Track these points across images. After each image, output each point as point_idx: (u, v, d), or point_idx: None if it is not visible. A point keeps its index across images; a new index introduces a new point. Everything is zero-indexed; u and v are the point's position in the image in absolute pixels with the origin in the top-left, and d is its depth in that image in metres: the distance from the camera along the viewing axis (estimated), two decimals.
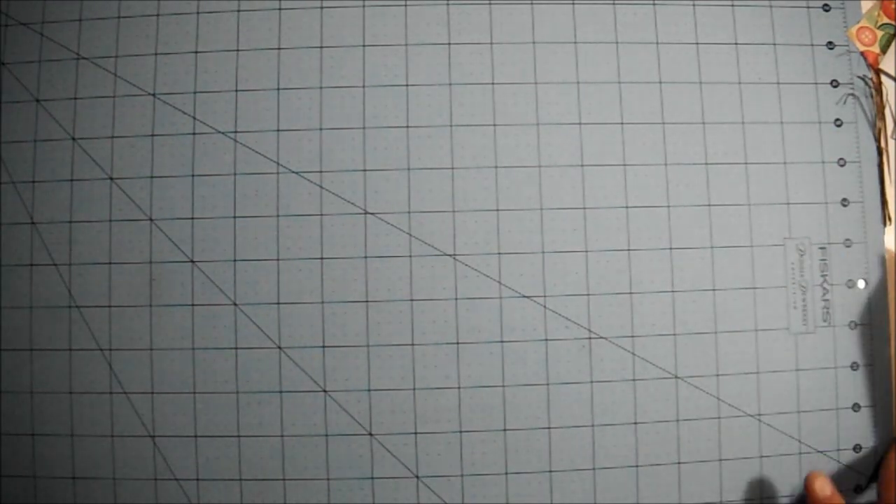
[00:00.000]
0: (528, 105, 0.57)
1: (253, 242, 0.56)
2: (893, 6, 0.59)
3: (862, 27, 0.59)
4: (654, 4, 0.58)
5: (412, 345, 0.55)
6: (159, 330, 0.55)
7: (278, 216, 0.56)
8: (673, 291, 0.56)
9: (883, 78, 0.59)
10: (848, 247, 0.57)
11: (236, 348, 0.55)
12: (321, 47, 0.57)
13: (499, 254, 0.56)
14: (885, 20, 0.59)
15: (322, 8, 0.58)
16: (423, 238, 0.56)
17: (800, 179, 0.58)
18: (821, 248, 0.57)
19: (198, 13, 0.58)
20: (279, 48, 0.57)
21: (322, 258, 0.56)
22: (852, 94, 0.58)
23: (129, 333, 0.56)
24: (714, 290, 0.56)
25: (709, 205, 0.57)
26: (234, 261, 0.56)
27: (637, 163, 0.57)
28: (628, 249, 0.56)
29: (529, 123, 0.57)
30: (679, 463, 0.55)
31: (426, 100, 0.57)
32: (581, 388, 0.56)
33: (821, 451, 0.56)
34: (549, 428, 0.55)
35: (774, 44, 0.58)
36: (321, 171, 0.56)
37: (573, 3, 0.58)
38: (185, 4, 0.58)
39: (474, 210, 0.56)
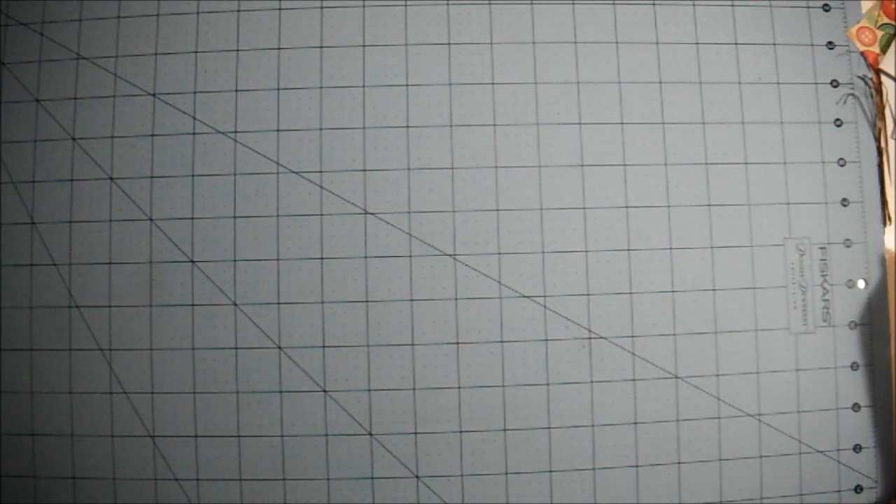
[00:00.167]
0: (528, 105, 0.57)
1: (253, 242, 0.56)
2: (893, 6, 0.59)
3: (862, 27, 0.59)
4: (654, 4, 0.58)
5: (412, 345, 0.55)
6: (159, 330, 0.55)
7: (278, 216, 0.56)
8: (673, 291, 0.56)
9: (883, 78, 0.58)
10: (848, 247, 0.57)
11: (236, 348, 0.55)
12: (321, 47, 0.57)
13: (499, 254, 0.56)
14: (885, 20, 0.59)
15: (322, 8, 0.58)
16: (423, 238, 0.56)
17: (800, 179, 0.58)
18: (821, 248, 0.57)
19: (198, 13, 0.58)
20: (279, 48, 0.57)
21: (322, 258, 0.56)
22: (852, 94, 0.58)
23: (129, 333, 0.56)
24: (714, 290, 0.56)
25: (709, 205, 0.57)
26: (234, 261, 0.56)
27: (637, 163, 0.57)
28: (628, 249, 0.56)
29: (529, 123, 0.57)
30: (679, 463, 0.55)
31: (426, 100, 0.57)
32: (581, 388, 0.56)
33: (821, 451, 0.56)
34: (549, 428, 0.55)
35: (774, 44, 0.58)
36: (321, 171, 0.56)
37: (573, 3, 0.58)
38: (185, 4, 0.58)
39: (474, 210, 0.56)
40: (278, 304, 0.56)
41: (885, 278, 0.57)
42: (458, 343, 0.55)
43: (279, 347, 0.55)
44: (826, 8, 0.59)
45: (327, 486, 0.55)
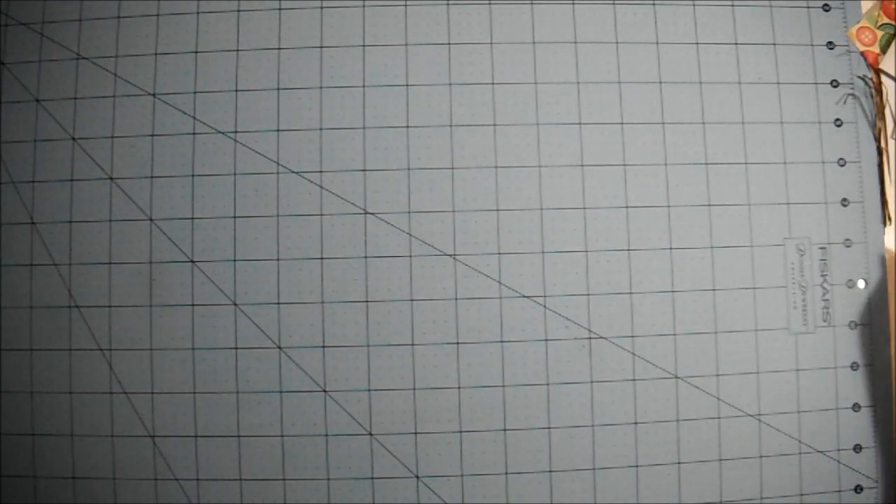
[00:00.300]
0: (528, 105, 0.57)
1: (253, 242, 0.56)
2: (893, 6, 0.59)
3: (862, 27, 0.59)
4: (654, 4, 0.58)
5: (412, 345, 0.55)
6: (159, 330, 0.55)
7: (278, 216, 0.56)
8: (673, 291, 0.56)
9: (883, 78, 0.58)
10: (848, 247, 0.57)
11: (236, 348, 0.55)
12: (321, 47, 0.57)
13: (499, 254, 0.56)
14: (885, 20, 0.59)
15: (322, 8, 0.58)
16: (423, 238, 0.56)
17: (800, 179, 0.58)
18: (821, 248, 0.57)
19: (198, 13, 0.58)
20: (279, 48, 0.57)
21: (322, 258, 0.56)
22: (852, 94, 0.58)
23: (129, 333, 0.56)
24: (714, 290, 0.56)
25: (709, 205, 0.57)
26: (234, 261, 0.56)
27: (637, 163, 0.57)
28: (628, 249, 0.56)
29: (529, 123, 0.57)
30: (679, 463, 0.55)
31: (426, 100, 0.57)
32: (581, 388, 0.56)
33: (821, 451, 0.56)
34: (549, 428, 0.55)
35: (774, 44, 0.58)
36: (321, 171, 0.56)
37: (573, 3, 0.58)
38: (185, 4, 0.58)
39: (474, 210, 0.56)
40: (278, 304, 0.56)
41: (885, 278, 0.57)
42: (458, 343, 0.55)
43: (279, 347, 0.55)
44: (826, 8, 0.59)
45: (327, 486, 0.55)
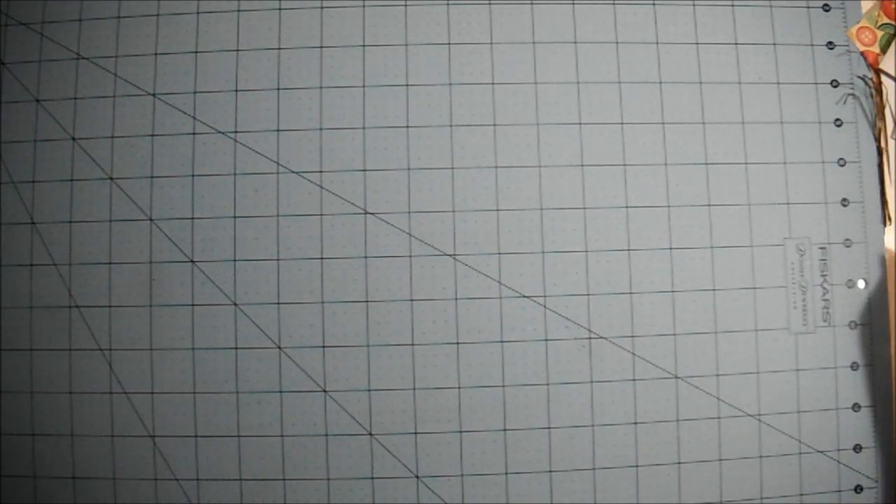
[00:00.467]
0: (528, 105, 0.57)
1: (253, 242, 0.56)
2: (893, 6, 0.59)
3: (862, 27, 0.59)
4: (654, 4, 0.58)
5: (412, 345, 0.55)
6: (159, 330, 0.55)
7: (278, 216, 0.56)
8: (673, 291, 0.56)
9: (883, 78, 0.58)
10: (848, 247, 0.57)
11: (236, 348, 0.55)
12: (321, 47, 0.57)
13: (499, 254, 0.56)
14: (885, 20, 0.59)
15: (322, 8, 0.58)
16: (423, 238, 0.56)
17: (800, 179, 0.58)
18: (821, 248, 0.57)
19: (198, 13, 0.58)
20: (279, 48, 0.57)
21: (322, 258, 0.56)
22: (852, 94, 0.58)
23: (129, 333, 0.56)
24: (714, 290, 0.56)
25: (709, 205, 0.57)
26: (234, 261, 0.56)
27: (637, 163, 0.57)
28: (628, 249, 0.56)
29: (529, 123, 0.57)
30: (679, 463, 0.55)
31: (426, 100, 0.57)
32: (581, 388, 0.56)
33: (821, 451, 0.56)
34: (549, 428, 0.55)
35: (774, 44, 0.58)
36: (321, 171, 0.56)
37: (573, 3, 0.58)
38: (185, 4, 0.58)
39: (474, 210, 0.56)
40: (278, 304, 0.56)
41: (885, 278, 0.57)
42: (458, 343, 0.55)
43: (279, 347, 0.55)
44: (826, 8, 0.59)
45: (327, 486, 0.55)
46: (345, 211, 0.56)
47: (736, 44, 0.58)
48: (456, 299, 0.56)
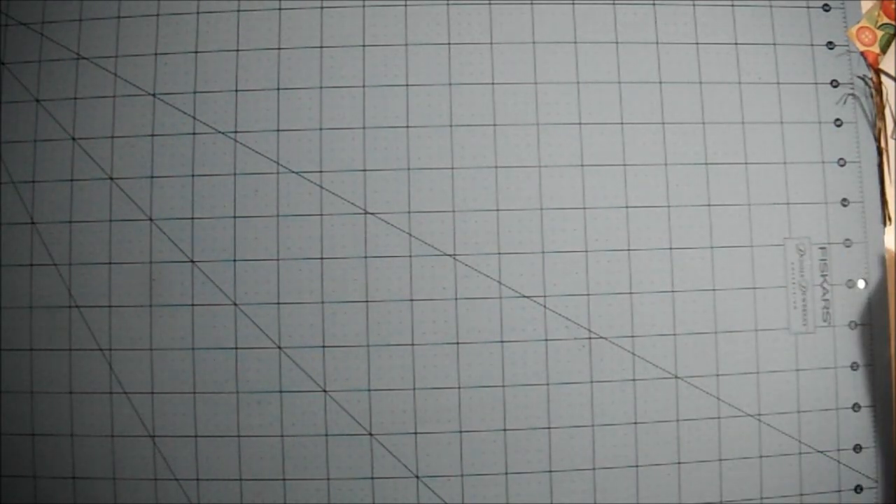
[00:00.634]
0: (528, 105, 0.57)
1: (253, 242, 0.56)
2: (893, 6, 0.59)
3: (862, 27, 0.59)
4: (654, 4, 0.58)
5: (412, 345, 0.55)
6: (159, 330, 0.55)
7: (278, 216, 0.56)
8: (673, 291, 0.56)
9: (883, 78, 0.58)
10: (848, 247, 0.57)
11: (236, 348, 0.55)
12: (321, 47, 0.57)
13: (499, 254, 0.56)
14: (885, 20, 0.59)
15: (322, 8, 0.58)
16: (423, 238, 0.56)
17: (800, 179, 0.58)
18: (821, 248, 0.57)
19: (198, 13, 0.58)
20: (279, 48, 0.57)
21: (322, 258, 0.56)
22: (852, 94, 0.58)
23: (129, 333, 0.56)
24: (714, 290, 0.56)
25: (709, 205, 0.57)
26: (234, 261, 0.56)
27: (637, 163, 0.57)
28: (628, 249, 0.56)
29: (529, 123, 0.57)
30: (679, 463, 0.55)
31: (426, 100, 0.57)
32: (581, 388, 0.56)
33: (821, 451, 0.56)
34: (549, 428, 0.55)
35: (774, 44, 0.58)
36: (321, 171, 0.56)
37: (573, 3, 0.58)
38: (185, 4, 0.58)
39: (474, 210, 0.56)
40: (278, 304, 0.56)
41: (885, 278, 0.57)
42: (458, 343, 0.55)
43: (279, 347, 0.55)
44: (826, 8, 0.59)
45: (327, 486, 0.55)
46: (345, 211, 0.56)
47: (736, 44, 0.58)
48: (456, 299, 0.56)
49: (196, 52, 0.57)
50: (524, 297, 0.56)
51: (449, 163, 0.57)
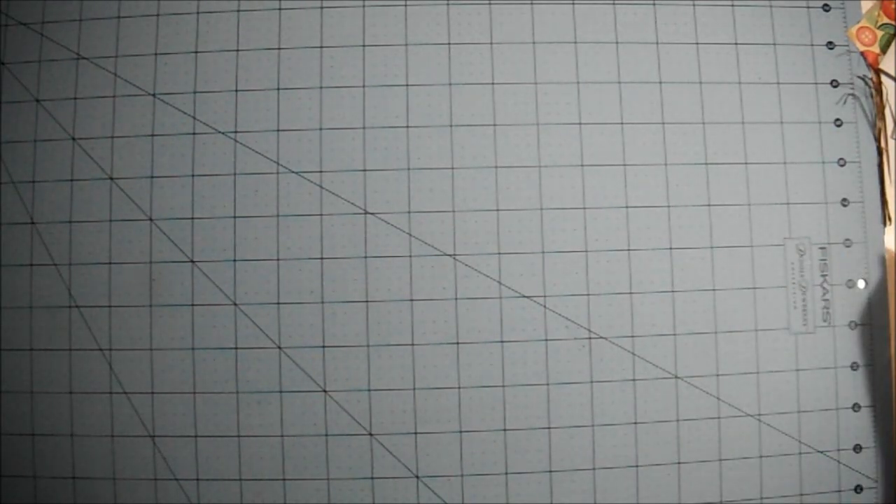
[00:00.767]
0: (528, 105, 0.57)
1: (253, 242, 0.56)
2: (893, 6, 0.59)
3: (862, 27, 0.59)
4: (654, 4, 0.58)
5: (412, 345, 0.55)
6: (159, 330, 0.55)
7: (278, 216, 0.56)
8: (673, 291, 0.56)
9: (883, 78, 0.58)
10: (848, 247, 0.57)
11: (236, 348, 0.55)
12: (321, 47, 0.57)
13: (499, 254, 0.56)
14: (885, 20, 0.59)
15: (322, 8, 0.58)
16: (423, 238, 0.56)
17: (800, 179, 0.58)
18: (821, 248, 0.57)
19: (198, 13, 0.58)
20: (279, 48, 0.57)
21: (322, 258, 0.56)
22: (852, 94, 0.58)
23: (129, 333, 0.56)
24: (714, 290, 0.56)
25: (709, 205, 0.57)
26: (234, 261, 0.56)
27: (637, 163, 0.57)
28: (628, 249, 0.56)
29: (529, 123, 0.57)
30: (679, 463, 0.55)
31: (426, 100, 0.57)
32: (581, 388, 0.56)
33: (821, 451, 0.56)
34: (549, 428, 0.55)
35: (774, 44, 0.58)
36: (321, 171, 0.56)
37: (573, 3, 0.58)
38: (185, 4, 0.58)
39: (474, 210, 0.56)
40: (278, 304, 0.56)
41: (885, 278, 0.57)
42: (458, 343, 0.55)
43: (279, 347, 0.55)
44: (826, 8, 0.59)
45: (327, 486, 0.55)
46: (345, 211, 0.56)
47: (736, 44, 0.58)
48: (456, 299, 0.56)
49: (196, 52, 0.57)
50: (524, 297, 0.56)
51: (449, 163, 0.57)
